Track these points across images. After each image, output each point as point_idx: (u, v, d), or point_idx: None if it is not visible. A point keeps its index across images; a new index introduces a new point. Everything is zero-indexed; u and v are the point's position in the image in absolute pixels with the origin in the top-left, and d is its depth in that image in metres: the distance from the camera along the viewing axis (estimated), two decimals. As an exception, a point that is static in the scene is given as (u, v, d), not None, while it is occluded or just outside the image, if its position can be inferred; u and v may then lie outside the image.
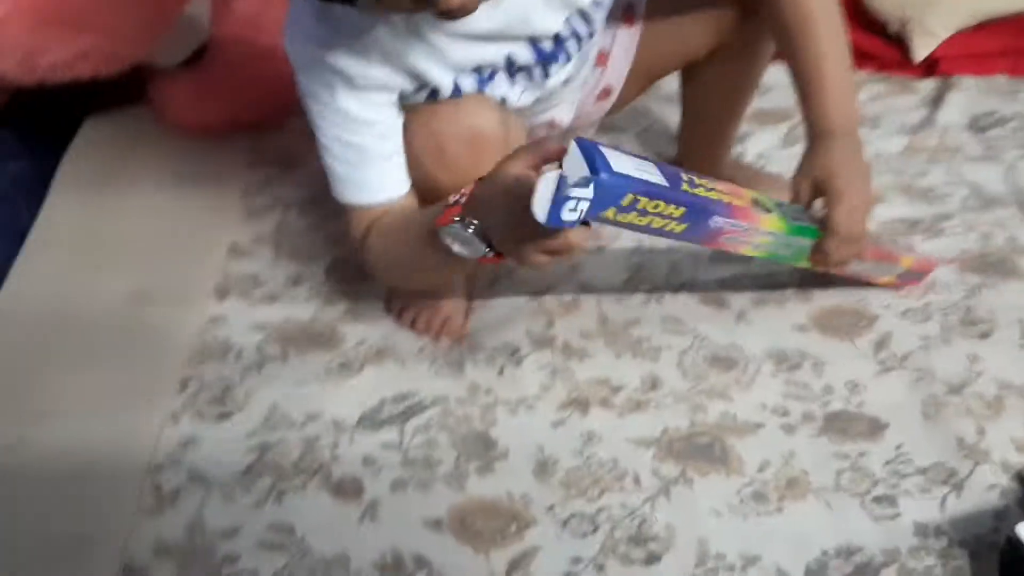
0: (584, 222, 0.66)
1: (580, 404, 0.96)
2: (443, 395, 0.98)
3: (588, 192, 0.63)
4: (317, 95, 0.85)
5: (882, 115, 1.33)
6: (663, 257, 1.12)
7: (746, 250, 0.87)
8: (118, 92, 1.29)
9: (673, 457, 0.91)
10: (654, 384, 0.98)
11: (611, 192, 0.65)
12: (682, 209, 0.74)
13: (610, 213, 0.68)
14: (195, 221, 1.18)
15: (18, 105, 1.28)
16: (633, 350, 1.02)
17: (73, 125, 1.32)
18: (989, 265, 1.09)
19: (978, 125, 1.30)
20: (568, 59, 0.91)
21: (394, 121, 0.87)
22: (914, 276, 1.05)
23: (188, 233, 1.16)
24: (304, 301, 1.09)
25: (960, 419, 0.92)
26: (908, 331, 1.01)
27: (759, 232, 0.85)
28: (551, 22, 0.86)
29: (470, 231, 0.73)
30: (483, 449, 0.92)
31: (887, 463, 0.89)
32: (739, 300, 1.06)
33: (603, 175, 0.63)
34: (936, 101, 1.35)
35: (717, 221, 0.79)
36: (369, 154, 0.86)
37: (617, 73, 1.03)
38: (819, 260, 0.93)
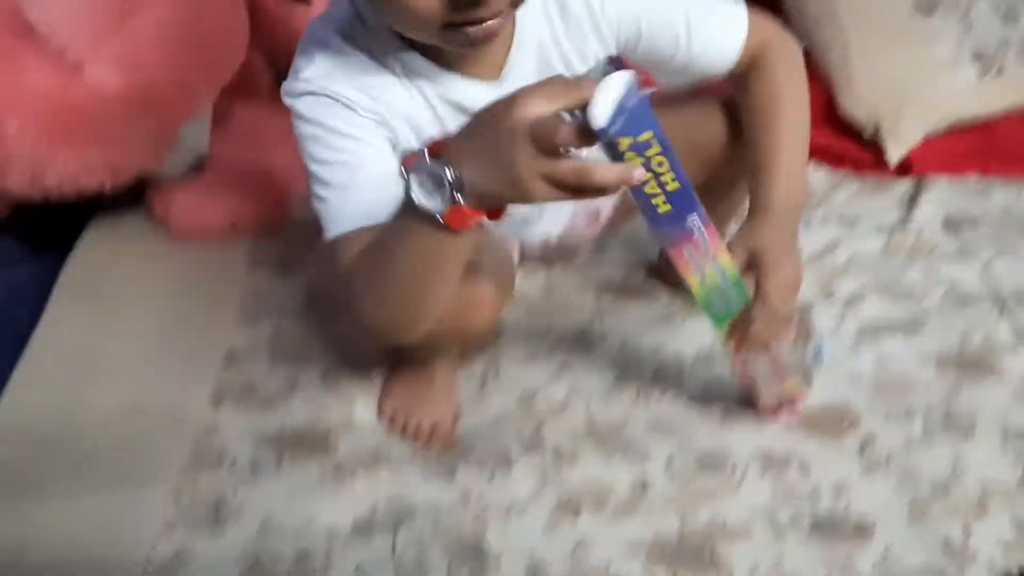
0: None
1: (571, 508, 0.98)
2: (435, 501, 0.99)
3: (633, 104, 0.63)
4: (315, 117, 0.80)
5: (860, 215, 1.37)
6: (649, 359, 1.14)
7: (692, 276, 0.85)
8: (120, 198, 1.33)
9: (665, 561, 0.92)
10: (644, 487, 0.99)
11: (643, 118, 0.65)
12: (678, 184, 0.73)
13: (626, 142, 0.65)
14: (193, 328, 1.21)
15: (21, 214, 1.32)
16: (623, 452, 1.03)
17: (75, 231, 1.35)
18: (968, 364, 1.11)
19: (952, 224, 1.34)
20: None
21: (389, 156, 0.83)
22: (788, 403, 1.04)
23: (185, 341, 1.19)
24: (299, 408, 1.11)
25: (946, 520, 0.94)
26: (891, 431, 1.03)
27: (714, 261, 0.84)
28: None
29: (446, 171, 0.65)
30: (475, 556, 0.93)
31: (875, 565, 0.90)
32: (723, 402, 1.08)
33: (645, 96, 0.63)
34: (911, 201, 1.39)
35: (694, 221, 0.78)
36: (361, 174, 0.80)
37: (606, 199, 1.06)
38: (740, 331, 0.90)
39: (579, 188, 0.63)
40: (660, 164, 0.69)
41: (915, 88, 1.42)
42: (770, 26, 0.93)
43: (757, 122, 0.93)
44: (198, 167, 1.29)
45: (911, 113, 1.42)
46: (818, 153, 1.45)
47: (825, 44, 1.49)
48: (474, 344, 1.13)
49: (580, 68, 0.87)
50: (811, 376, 1.02)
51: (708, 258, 0.83)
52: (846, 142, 1.46)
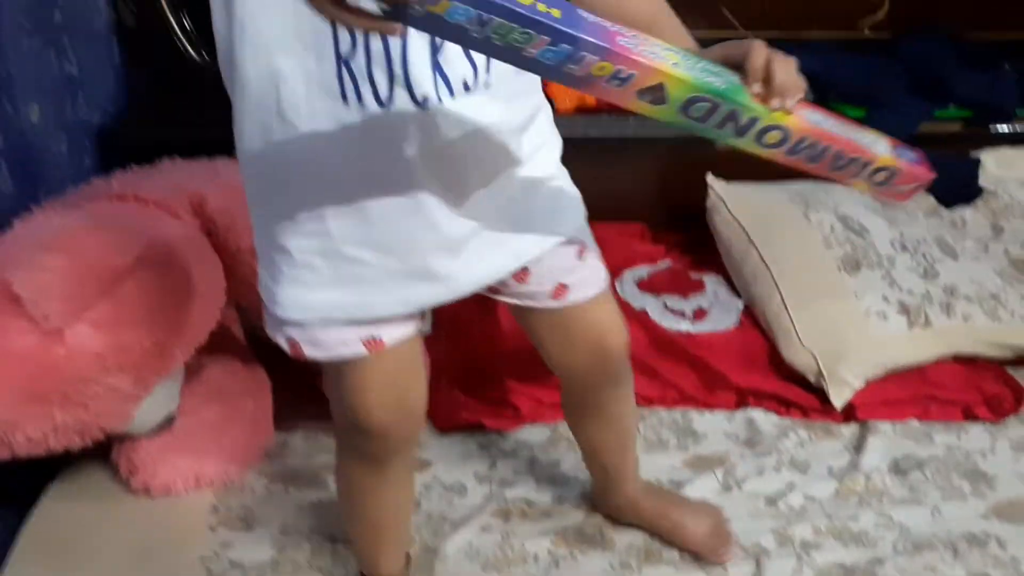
0: None
1: None
2: None
3: None
4: None
5: (810, 460, 1.42)
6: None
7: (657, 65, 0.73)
8: (85, 452, 1.34)
9: None
10: None
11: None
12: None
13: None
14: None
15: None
16: None
17: (39, 483, 1.35)
18: (927, 611, 1.13)
19: (899, 468, 1.40)
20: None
21: None
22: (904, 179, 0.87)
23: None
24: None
25: None
26: None
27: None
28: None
29: None
30: None
31: None
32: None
33: None
34: (858, 446, 1.45)
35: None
36: None
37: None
38: (765, 92, 0.79)
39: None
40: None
41: (850, 338, 1.52)
42: None
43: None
44: (165, 423, 1.32)
45: (849, 361, 1.51)
46: (767, 399, 1.53)
47: (761, 299, 1.61)
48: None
49: None
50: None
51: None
52: (793, 387, 1.54)
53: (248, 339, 1.50)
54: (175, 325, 1.21)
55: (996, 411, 1.50)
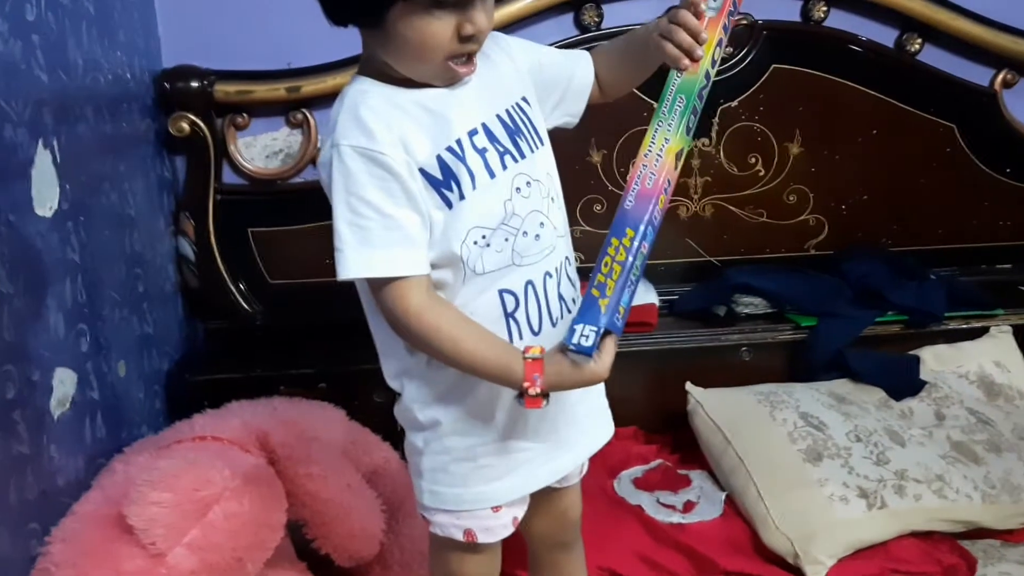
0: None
1: None
2: None
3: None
4: (359, 169, 1.04)
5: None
6: None
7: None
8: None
9: None
10: None
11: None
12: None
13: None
14: None
15: None
16: None
17: None
18: None
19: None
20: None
21: (418, 199, 1.07)
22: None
23: None
24: None
25: None
26: None
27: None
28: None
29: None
30: None
31: None
32: None
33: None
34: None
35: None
36: (402, 215, 1.06)
37: None
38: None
39: None
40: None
41: (818, 522, 1.76)
42: None
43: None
44: None
45: (820, 542, 1.74)
46: (751, 581, 1.75)
47: (740, 489, 1.86)
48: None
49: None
50: None
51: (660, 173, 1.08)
52: (775, 568, 1.76)
53: (299, 554, 1.74)
54: (249, 543, 1.46)
55: (953, 580, 1.72)
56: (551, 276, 1.16)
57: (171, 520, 1.37)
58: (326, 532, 1.59)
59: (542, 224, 1.16)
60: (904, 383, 2.09)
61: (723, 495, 1.91)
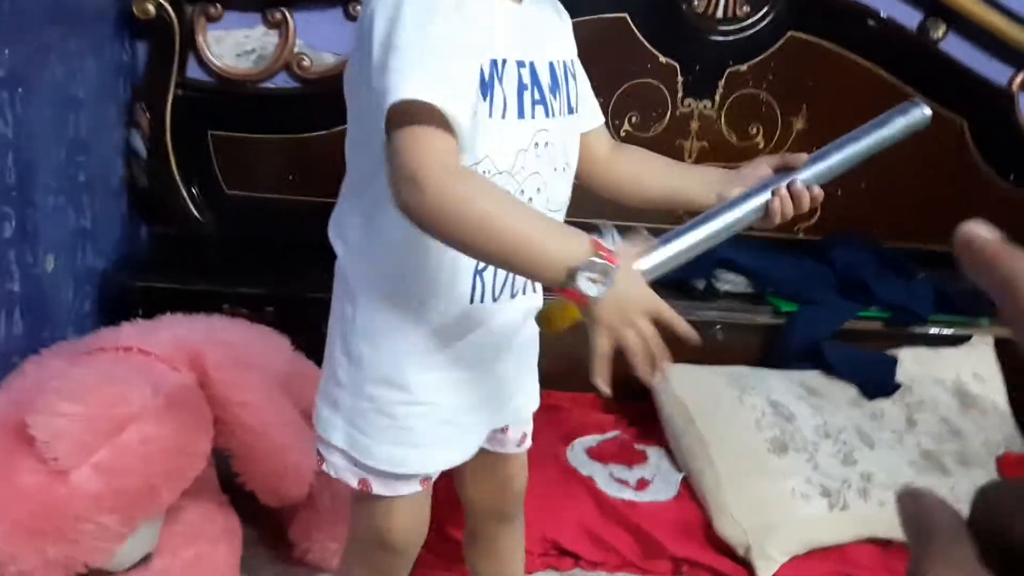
0: None
1: None
2: None
3: None
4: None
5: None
6: None
7: None
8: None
9: None
10: None
11: None
12: None
13: None
14: None
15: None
16: None
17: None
18: None
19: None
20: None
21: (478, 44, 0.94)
22: None
23: None
24: None
25: None
26: None
27: None
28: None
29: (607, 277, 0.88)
30: None
31: None
32: None
33: None
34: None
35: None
36: (459, 51, 0.90)
37: None
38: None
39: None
40: None
41: (776, 516, 1.67)
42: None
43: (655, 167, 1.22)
44: (143, 561, 1.41)
45: (775, 538, 1.65)
46: (700, 569, 1.66)
47: (698, 472, 1.76)
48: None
49: None
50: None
51: None
52: (725, 560, 1.68)
53: (222, 485, 1.61)
54: (166, 471, 1.33)
55: (907, 593, 1.64)
56: None
57: (79, 436, 1.23)
58: (253, 469, 1.46)
59: (538, 190, 1.04)
60: (879, 383, 2.00)
61: (679, 476, 1.81)
